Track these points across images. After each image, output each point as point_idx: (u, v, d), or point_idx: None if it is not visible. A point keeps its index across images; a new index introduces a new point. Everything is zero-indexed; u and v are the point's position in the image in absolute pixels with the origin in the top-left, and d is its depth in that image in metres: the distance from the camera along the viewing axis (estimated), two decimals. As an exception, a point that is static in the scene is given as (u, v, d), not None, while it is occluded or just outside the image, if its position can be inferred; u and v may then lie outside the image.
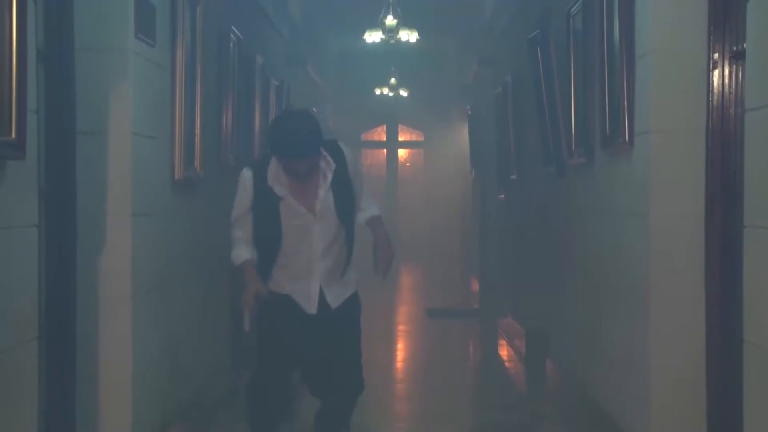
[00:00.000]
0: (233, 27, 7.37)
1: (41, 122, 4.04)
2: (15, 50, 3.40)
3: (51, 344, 4.27)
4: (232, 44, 7.38)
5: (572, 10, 6.64)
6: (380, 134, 22.36)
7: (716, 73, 4.62)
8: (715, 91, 4.63)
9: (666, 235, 4.88)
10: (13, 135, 3.43)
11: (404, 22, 13.19)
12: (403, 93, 19.95)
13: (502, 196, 10.98)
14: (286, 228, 4.52)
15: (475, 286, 14.20)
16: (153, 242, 5.22)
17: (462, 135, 17.51)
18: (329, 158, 4.52)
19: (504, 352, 9.66)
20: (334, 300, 4.60)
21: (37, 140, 3.84)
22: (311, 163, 4.43)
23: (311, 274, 4.56)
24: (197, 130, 6.14)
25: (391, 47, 14.00)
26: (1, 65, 3.37)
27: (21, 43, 3.43)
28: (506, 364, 9.06)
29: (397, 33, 13.14)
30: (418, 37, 13.42)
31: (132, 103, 4.82)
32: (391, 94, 19.73)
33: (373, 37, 13.33)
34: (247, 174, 4.58)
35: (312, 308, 4.56)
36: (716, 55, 4.61)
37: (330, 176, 4.51)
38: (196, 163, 6.12)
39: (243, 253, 4.56)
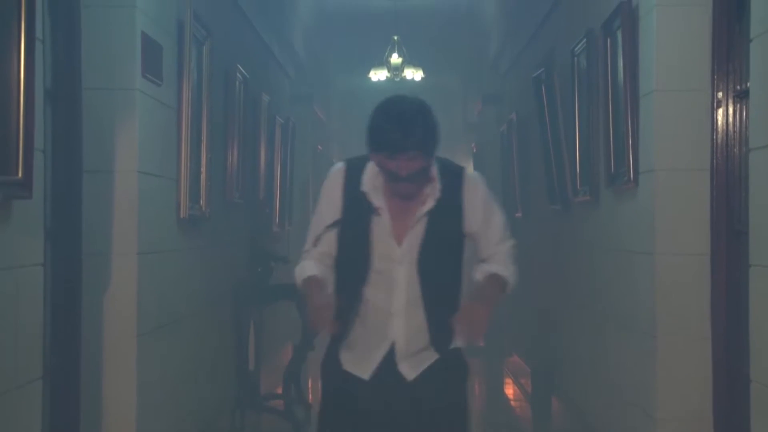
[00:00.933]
0: (239, 66, 7.40)
1: (48, 161, 4.06)
2: (23, 90, 3.42)
3: (55, 384, 4.26)
4: (238, 83, 7.41)
5: (576, 49, 6.67)
6: (385, 171, 22.36)
7: (720, 112, 4.63)
8: (719, 130, 4.64)
9: (671, 273, 4.87)
10: (20, 174, 3.44)
11: (409, 61, 13.31)
12: (409, 130, 19.99)
13: (508, 233, 10.96)
14: (376, 256, 3.23)
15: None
16: (158, 281, 5.21)
17: (467, 172, 17.50)
18: (437, 181, 3.26)
19: (510, 390, 9.61)
20: (413, 369, 3.27)
21: (43, 179, 3.85)
22: (415, 167, 3.11)
23: (386, 332, 3.25)
24: (203, 169, 6.16)
25: (396, 85, 14.08)
26: (8, 105, 3.39)
27: (29, 82, 3.45)
28: (512, 402, 9.01)
29: (402, 71, 13.25)
30: (423, 75, 13.50)
31: (138, 142, 4.84)
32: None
33: (378, 75, 13.42)
34: (339, 168, 3.30)
35: (366, 372, 3.26)
36: (720, 94, 4.63)
37: (430, 204, 3.23)
38: (202, 202, 6.13)
39: (308, 268, 3.29)
